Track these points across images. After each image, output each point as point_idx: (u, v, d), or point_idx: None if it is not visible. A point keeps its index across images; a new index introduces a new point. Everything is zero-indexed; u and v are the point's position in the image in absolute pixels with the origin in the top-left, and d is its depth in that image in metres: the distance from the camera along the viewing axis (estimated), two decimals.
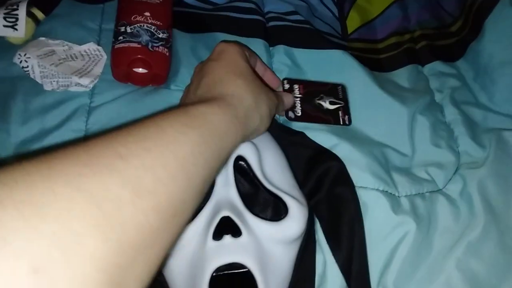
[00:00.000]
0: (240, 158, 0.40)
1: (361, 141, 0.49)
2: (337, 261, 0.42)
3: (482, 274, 0.42)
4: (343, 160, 0.46)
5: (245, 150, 0.40)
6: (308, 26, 0.56)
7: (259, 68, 0.47)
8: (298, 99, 0.51)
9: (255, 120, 0.38)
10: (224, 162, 0.32)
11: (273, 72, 0.50)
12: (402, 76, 0.57)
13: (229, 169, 0.39)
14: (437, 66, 0.59)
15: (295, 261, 0.40)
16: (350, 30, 0.62)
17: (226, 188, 0.39)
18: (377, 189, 0.44)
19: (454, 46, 0.62)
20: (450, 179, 0.48)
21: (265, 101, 0.39)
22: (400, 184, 0.46)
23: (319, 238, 0.43)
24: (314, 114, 0.50)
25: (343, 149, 0.47)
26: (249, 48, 0.44)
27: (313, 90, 0.52)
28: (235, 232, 0.36)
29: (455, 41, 0.62)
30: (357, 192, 0.44)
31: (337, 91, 0.53)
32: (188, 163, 0.27)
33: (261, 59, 0.48)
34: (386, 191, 0.45)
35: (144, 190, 0.23)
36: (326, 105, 0.51)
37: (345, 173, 0.44)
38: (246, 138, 0.37)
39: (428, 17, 0.64)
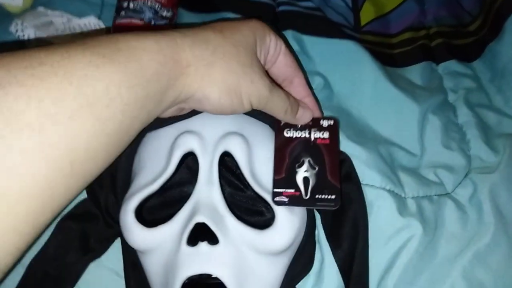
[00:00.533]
0: (226, 154, 0.36)
1: (367, 136, 0.47)
2: (336, 259, 0.39)
3: (489, 285, 0.39)
4: (349, 155, 0.43)
5: (233, 145, 0.36)
6: (319, 13, 0.54)
7: (287, 66, 0.37)
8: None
9: (216, 90, 0.29)
10: (152, 116, 0.28)
11: (310, 89, 0.40)
12: (415, 73, 0.55)
13: (213, 166, 0.36)
14: (452, 65, 0.56)
15: (283, 277, 0.37)
16: (363, 22, 0.59)
17: (209, 186, 0.35)
18: (384, 188, 0.42)
19: (471, 46, 0.59)
20: (460, 183, 0.45)
21: (252, 80, 0.31)
22: (407, 184, 0.43)
23: (318, 234, 0.41)
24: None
25: (348, 144, 0.44)
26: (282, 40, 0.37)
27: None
28: (212, 239, 0.33)
29: (472, 40, 0.60)
30: (363, 189, 0.41)
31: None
32: (99, 103, 0.23)
33: (297, 59, 0.40)
34: (393, 191, 0.42)
35: (25, 126, 0.20)
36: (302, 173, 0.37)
37: (352, 169, 0.41)
38: (194, 104, 0.30)
39: (446, 15, 0.61)
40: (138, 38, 0.27)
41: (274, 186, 0.36)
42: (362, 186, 0.41)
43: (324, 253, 0.40)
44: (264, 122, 0.39)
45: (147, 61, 0.26)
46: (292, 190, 0.35)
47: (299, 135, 0.38)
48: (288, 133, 0.38)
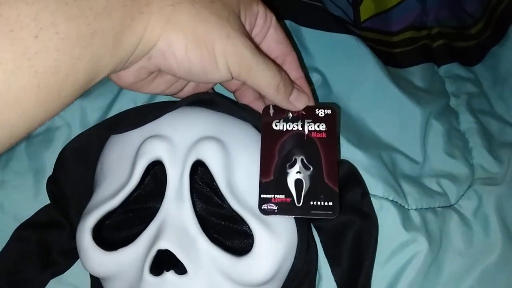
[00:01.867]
0: (199, 163, 0.31)
1: (368, 140, 0.43)
2: (335, 276, 0.35)
3: None
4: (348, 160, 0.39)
5: (207, 152, 0.30)
6: (319, 4, 0.50)
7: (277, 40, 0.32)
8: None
9: (182, 38, 0.25)
10: (104, 65, 0.23)
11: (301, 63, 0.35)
12: (416, 74, 0.52)
13: (184, 178, 0.30)
14: (454, 68, 0.53)
15: None
16: (363, 18, 0.56)
17: (178, 203, 0.30)
18: (387, 198, 0.38)
19: (472, 49, 0.57)
20: (463, 195, 0.42)
21: (229, 34, 0.25)
22: (409, 195, 0.40)
23: (318, 248, 0.36)
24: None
25: (348, 148, 0.40)
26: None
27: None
28: (179, 268, 0.28)
29: (473, 44, 0.57)
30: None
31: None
32: (23, 32, 0.19)
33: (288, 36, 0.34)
34: (396, 202, 0.38)
35: None
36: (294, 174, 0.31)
37: (359, 176, 0.37)
38: (158, 60, 0.26)
39: (447, 15, 0.59)
40: None
41: (261, 191, 0.30)
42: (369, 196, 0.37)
43: (321, 270, 0.36)
44: (247, 121, 0.34)
45: None
46: (283, 196, 0.30)
47: (290, 128, 0.32)
48: (277, 126, 0.32)
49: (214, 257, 0.29)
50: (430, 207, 0.40)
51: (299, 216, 0.31)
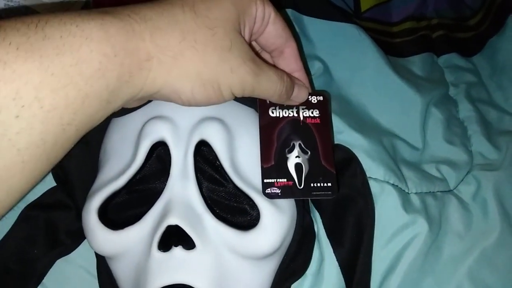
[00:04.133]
0: (203, 143, 0.31)
1: (369, 127, 0.44)
2: (338, 258, 0.36)
3: (496, 286, 0.37)
4: (351, 146, 0.40)
5: (210, 132, 0.31)
6: None
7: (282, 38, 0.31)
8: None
9: (188, 85, 0.24)
10: (98, 118, 0.22)
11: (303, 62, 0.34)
12: (416, 63, 0.52)
13: (188, 157, 0.31)
14: (453, 58, 0.54)
15: (272, 283, 0.32)
16: (363, 8, 0.56)
17: (183, 182, 0.30)
18: (387, 182, 0.39)
19: (471, 40, 0.57)
20: (462, 180, 0.43)
21: (232, 67, 0.25)
22: (409, 179, 0.41)
23: (318, 231, 0.37)
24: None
25: (350, 133, 0.41)
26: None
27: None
28: (187, 243, 0.29)
29: (472, 35, 0.58)
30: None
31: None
32: (3, 114, 0.18)
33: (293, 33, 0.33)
34: (396, 186, 0.39)
35: None
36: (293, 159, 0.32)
37: (357, 162, 0.37)
38: (161, 98, 0.26)
39: (446, 7, 0.59)
40: (76, 19, 0.21)
41: (264, 176, 0.31)
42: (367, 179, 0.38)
43: (324, 251, 0.37)
44: (248, 106, 0.34)
45: (87, 52, 0.20)
46: (285, 180, 0.31)
47: (286, 114, 0.33)
48: (274, 112, 0.33)
49: (220, 233, 0.30)
50: (430, 191, 0.41)
51: (302, 198, 0.32)
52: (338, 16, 0.49)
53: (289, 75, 0.31)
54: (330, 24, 0.48)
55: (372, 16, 0.56)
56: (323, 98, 0.33)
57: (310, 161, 0.31)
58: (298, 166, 0.31)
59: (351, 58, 0.47)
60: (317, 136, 0.32)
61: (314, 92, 0.34)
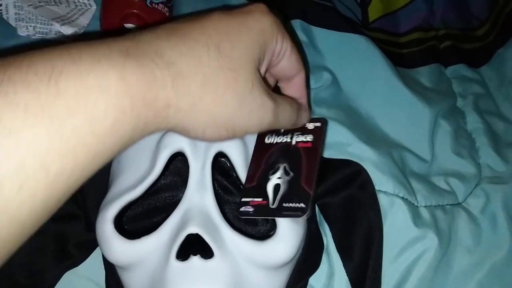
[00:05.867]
0: (220, 154, 0.32)
1: (378, 138, 0.44)
2: (347, 271, 0.36)
3: None
4: (360, 159, 0.40)
5: (228, 144, 0.32)
6: (330, 4, 0.50)
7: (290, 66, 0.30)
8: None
9: (200, 125, 0.23)
10: (103, 163, 0.20)
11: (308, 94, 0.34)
12: (424, 74, 0.52)
13: (206, 169, 0.31)
14: (461, 69, 0.54)
15: None
16: (371, 19, 0.56)
17: (201, 192, 0.31)
18: (397, 195, 0.39)
19: (478, 51, 0.57)
20: (471, 193, 0.43)
21: (251, 111, 0.25)
22: (419, 192, 0.40)
23: (328, 243, 0.37)
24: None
25: (359, 145, 0.41)
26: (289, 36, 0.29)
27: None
28: (206, 252, 0.29)
29: (479, 46, 0.58)
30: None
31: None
32: (4, 189, 0.16)
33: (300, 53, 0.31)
34: (406, 199, 0.39)
35: None
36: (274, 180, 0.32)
37: (366, 175, 0.37)
38: (169, 130, 0.24)
39: (454, 17, 0.59)
40: (95, 67, 0.18)
41: (242, 195, 0.31)
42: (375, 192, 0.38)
43: (333, 264, 0.36)
44: None
45: (103, 109, 0.18)
46: (260, 199, 0.31)
47: (280, 140, 0.33)
48: (269, 139, 0.33)
49: (237, 243, 0.30)
50: (439, 205, 0.41)
51: (272, 217, 0.32)
52: (347, 27, 0.49)
53: (296, 102, 0.31)
54: (339, 35, 0.48)
55: (380, 26, 0.56)
56: (320, 124, 0.34)
57: (289, 182, 0.31)
58: (276, 187, 0.31)
59: (360, 69, 0.47)
60: (304, 158, 0.32)
61: (312, 119, 0.34)
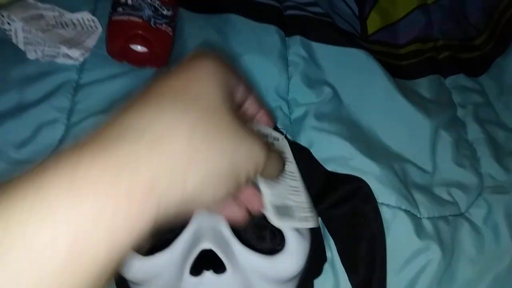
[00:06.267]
0: None
1: (379, 151, 0.44)
2: (352, 284, 0.36)
3: None
4: (362, 172, 0.40)
5: None
6: (328, 19, 0.51)
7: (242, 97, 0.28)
8: None
9: (205, 193, 0.21)
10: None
11: (266, 107, 0.32)
12: (423, 86, 0.53)
13: None
14: (460, 79, 0.55)
15: None
16: (370, 31, 0.57)
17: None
18: (399, 208, 0.39)
19: (476, 60, 0.58)
20: (473, 203, 0.43)
21: (241, 162, 0.22)
22: (421, 204, 0.41)
23: (333, 256, 0.38)
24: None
25: (361, 159, 0.42)
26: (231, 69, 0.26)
27: None
28: (218, 267, 0.30)
29: (478, 55, 0.59)
30: (379, 208, 0.38)
31: None
32: None
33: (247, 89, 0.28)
34: (409, 211, 0.40)
35: None
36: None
37: (367, 189, 0.38)
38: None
39: (452, 27, 0.60)
40: (105, 169, 0.18)
41: None
42: (378, 205, 0.39)
43: (339, 278, 0.37)
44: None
45: (112, 215, 0.17)
46: None
47: None
48: None
49: (247, 257, 0.31)
50: (441, 216, 0.41)
51: None
52: (346, 42, 0.50)
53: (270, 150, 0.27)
54: (338, 50, 0.49)
55: (379, 38, 0.57)
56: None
57: None
58: None
59: (360, 83, 0.48)
60: None
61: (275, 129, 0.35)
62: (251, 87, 0.29)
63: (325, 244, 0.38)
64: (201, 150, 0.20)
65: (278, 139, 0.35)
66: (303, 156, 0.41)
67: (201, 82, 0.22)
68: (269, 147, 0.25)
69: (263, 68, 0.46)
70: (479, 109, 0.52)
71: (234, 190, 0.23)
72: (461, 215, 0.42)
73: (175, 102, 0.21)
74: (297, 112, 0.45)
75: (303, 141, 0.43)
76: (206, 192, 0.21)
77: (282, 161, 0.28)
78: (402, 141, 0.46)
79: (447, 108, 0.50)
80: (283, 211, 0.31)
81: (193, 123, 0.21)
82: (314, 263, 0.36)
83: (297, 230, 0.32)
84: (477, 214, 0.42)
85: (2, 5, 0.43)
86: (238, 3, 0.50)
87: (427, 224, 0.40)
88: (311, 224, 0.32)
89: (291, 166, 0.33)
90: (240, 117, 0.23)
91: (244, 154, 0.22)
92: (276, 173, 0.27)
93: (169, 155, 0.20)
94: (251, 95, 0.29)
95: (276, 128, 0.41)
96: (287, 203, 0.31)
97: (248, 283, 0.31)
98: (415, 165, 0.45)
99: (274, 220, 0.30)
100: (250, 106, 0.30)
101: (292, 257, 0.32)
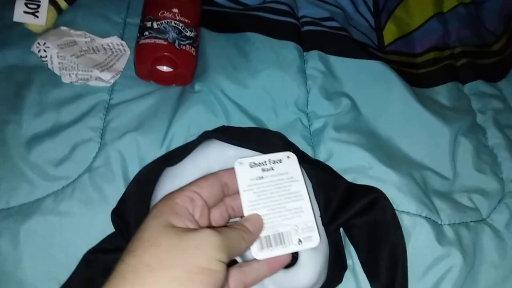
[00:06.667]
0: None
1: (398, 159, 0.45)
2: None
3: None
4: (381, 181, 0.41)
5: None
6: (345, 33, 0.53)
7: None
8: None
9: None
10: None
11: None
12: (442, 93, 0.54)
13: None
14: (479, 85, 0.55)
15: None
16: (387, 42, 0.58)
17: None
18: (420, 215, 0.40)
19: (495, 66, 0.58)
20: (495, 209, 0.44)
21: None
22: (442, 210, 0.42)
23: (354, 264, 0.39)
24: None
25: (380, 168, 0.43)
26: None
27: None
28: None
29: (496, 60, 0.59)
30: (399, 217, 0.39)
31: None
32: None
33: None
34: (429, 218, 0.40)
35: None
36: None
37: (385, 200, 0.39)
38: None
39: (469, 34, 0.60)
40: None
41: None
42: (398, 213, 0.40)
43: (361, 285, 0.38)
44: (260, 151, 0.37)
45: None
46: None
47: None
48: None
49: None
50: (462, 222, 0.42)
51: None
52: (363, 54, 0.51)
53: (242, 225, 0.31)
54: (355, 62, 0.51)
55: (396, 48, 0.58)
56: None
57: None
58: None
59: (377, 93, 0.49)
60: None
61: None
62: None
63: (346, 251, 0.39)
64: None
65: (280, 161, 0.35)
66: (323, 168, 0.42)
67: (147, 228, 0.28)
68: (221, 231, 0.28)
69: (283, 83, 0.47)
70: (498, 114, 0.52)
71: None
72: (483, 220, 0.43)
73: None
74: (317, 124, 0.47)
75: (322, 152, 0.45)
76: None
77: (245, 238, 0.30)
78: (422, 149, 0.47)
79: (466, 115, 0.51)
80: (272, 241, 0.32)
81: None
82: (335, 271, 0.37)
83: None
84: (499, 219, 0.43)
85: (38, 33, 0.47)
86: (257, 22, 0.52)
87: (448, 231, 0.40)
88: (313, 244, 0.32)
89: (296, 186, 0.34)
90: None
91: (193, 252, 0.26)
92: (240, 249, 0.29)
93: None
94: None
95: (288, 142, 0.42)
96: (280, 230, 0.32)
97: None
98: (435, 172, 0.46)
99: (254, 254, 0.31)
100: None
101: (305, 271, 0.33)
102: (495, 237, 0.41)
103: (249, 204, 0.32)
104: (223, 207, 0.34)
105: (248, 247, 0.31)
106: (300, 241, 0.32)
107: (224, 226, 0.32)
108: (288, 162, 0.35)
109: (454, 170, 0.46)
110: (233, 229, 0.30)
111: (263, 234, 0.32)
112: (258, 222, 0.32)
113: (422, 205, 0.41)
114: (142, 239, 0.27)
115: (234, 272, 0.31)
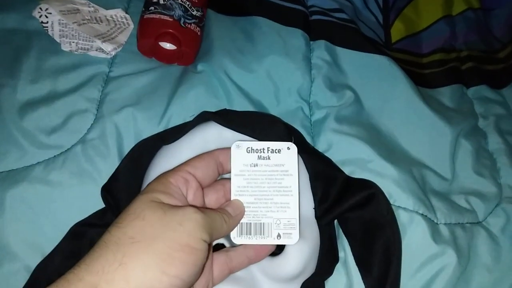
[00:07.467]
0: None
1: (398, 156, 0.45)
2: (366, 286, 0.37)
3: None
4: (380, 175, 0.41)
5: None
6: (353, 25, 0.52)
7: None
8: None
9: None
10: None
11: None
12: (445, 94, 0.53)
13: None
14: (482, 90, 0.55)
15: None
16: (394, 40, 0.58)
17: None
18: (417, 212, 0.40)
19: (500, 73, 0.58)
20: (491, 212, 0.43)
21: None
22: (438, 209, 0.41)
23: (347, 256, 0.38)
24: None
25: (380, 162, 0.42)
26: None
27: None
28: None
29: (501, 68, 0.59)
30: (396, 212, 0.38)
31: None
32: None
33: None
34: (425, 216, 0.40)
35: None
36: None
37: (381, 196, 0.39)
38: None
39: (476, 39, 0.60)
40: None
41: None
42: (394, 208, 0.39)
43: (352, 279, 0.37)
44: (257, 138, 0.37)
45: None
46: None
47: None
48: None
49: None
50: (458, 223, 0.41)
51: None
52: (370, 48, 0.51)
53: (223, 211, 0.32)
54: (362, 55, 0.50)
55: (402, 47, 0.58)
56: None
57: None
58: None
59: (381, 88, 0.49)
60: None
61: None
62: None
63: (339, 244, 0.39)
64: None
65: (279, 151, 0.34)
66: (322, 160, 0.42)
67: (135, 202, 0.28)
68: (204, 211, 0.28)
69: (287, 70, 0.47)
70: (500, 120, 0.52)
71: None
72: (479, 223, 0.42)
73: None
74: (318, 114, 0.46)
75: (322, 142, 0.44)
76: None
77: (226, 221, 0.31)
78: (422, 147, 0.46)
79: (468, 118, 0.50)
80: (252, 229, 0.33)
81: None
82: (326, 263, 0.37)
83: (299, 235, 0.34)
84: (495, 223, 0.42)
85: None
86: (266, 7, 0.51)
87: (444, 230, 0.40)
88: (291, 242, 0.33)
89: (288, 180, 0.33)
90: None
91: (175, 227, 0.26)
92: (222, 230, 0.30)
93: None
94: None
95: (291, 130, 0.41)
96: (262, 220, 0.33)
97: (254, 279, 0.34)
98: (434, 171, 0.45)
99: (232, 237, 0.32)
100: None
101: (291, 259, 0.34)
102: (490, 240, 0.41)
103: (237, 189, 0.33)
104: (221, 192, 0.34)
105: (229, 231, 0.31)
106: (279, 235, 0.33)
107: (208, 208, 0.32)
108: (287, 153, 0.34)
109: (453, 171, 0.46)
110: (215, 211, 0.30)
111: (244, 220, 0.33)
112: (239, 207, 0.33)
113: (419, 202, 0.40)
114: (129, 212, 0.28)
115: (220, 256, 0.32)
